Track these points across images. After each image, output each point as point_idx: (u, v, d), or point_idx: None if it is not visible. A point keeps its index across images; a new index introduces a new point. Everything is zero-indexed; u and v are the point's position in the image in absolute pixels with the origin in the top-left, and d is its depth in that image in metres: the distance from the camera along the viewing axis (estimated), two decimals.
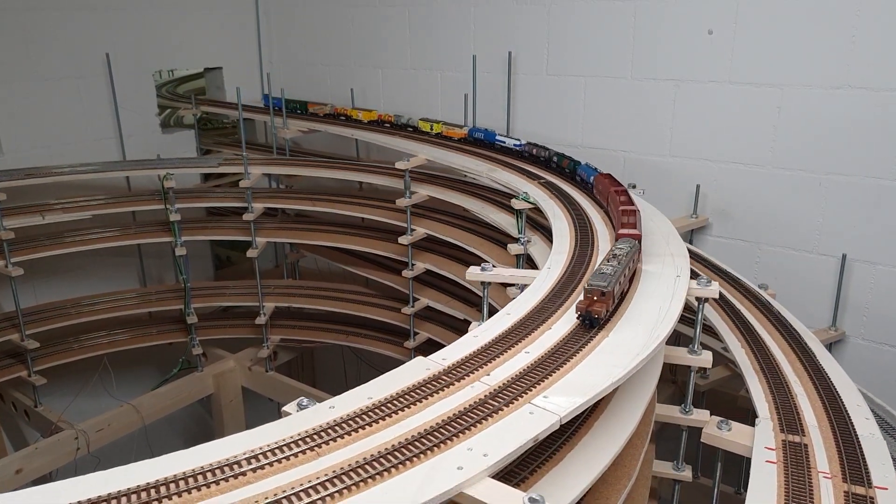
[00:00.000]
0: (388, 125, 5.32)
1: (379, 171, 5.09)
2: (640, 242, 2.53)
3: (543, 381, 1.87)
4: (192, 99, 6.38)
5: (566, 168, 3.95)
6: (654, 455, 2.79)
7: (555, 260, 2.73)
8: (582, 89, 4.95)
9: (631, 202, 2.99)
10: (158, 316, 5.82)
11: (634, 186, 3.81)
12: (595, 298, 2.10)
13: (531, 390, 1.83)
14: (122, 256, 6.07)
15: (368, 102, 6.11)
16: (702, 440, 2.50)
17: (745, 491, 2.05)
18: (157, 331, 5.64)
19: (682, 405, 2.65)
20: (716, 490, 2.71)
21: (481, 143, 4.69)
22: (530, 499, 1.43)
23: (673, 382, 4.56)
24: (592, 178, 3.58)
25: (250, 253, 5.22)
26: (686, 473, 2.78)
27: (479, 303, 3.97)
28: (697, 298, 2.51)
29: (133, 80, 5.91)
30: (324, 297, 5.65)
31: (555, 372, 1.92)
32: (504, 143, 4.47)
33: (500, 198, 4.32)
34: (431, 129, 5.02)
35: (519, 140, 4.49)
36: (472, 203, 4.37)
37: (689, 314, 3.87)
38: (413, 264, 4.81)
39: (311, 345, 5.88)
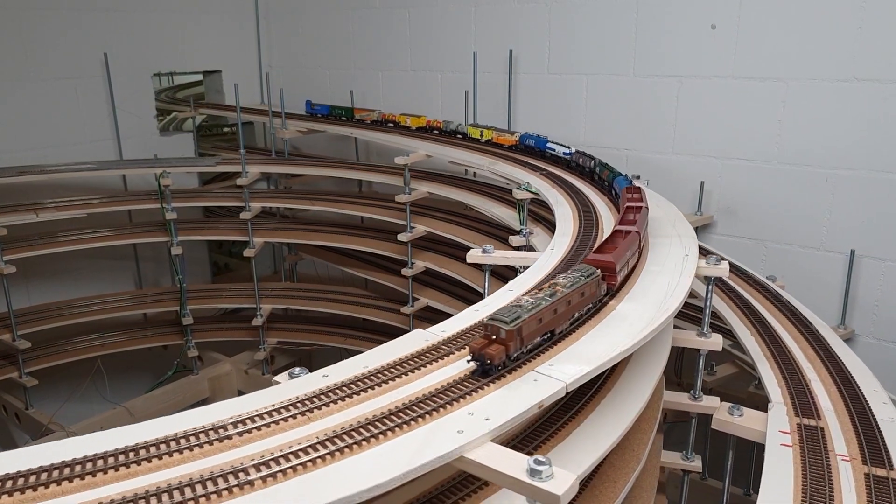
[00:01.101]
0: (436, 132, 4.91)
1: (378, 170, 5.03)
2: (610, 273, 2.08)
3: (548, 351, 1.78)
4: (190, 102, 6.33)
5: (605, 179, 3.49)
6: (661, 446, 2.68)
7: (558, 242, 2.66)
8: (584, 87, 4.89)
9: (632, 222, 2.47)
10: (154, 319, 5.73)
11: (639, 177, 3.73)
12: (493, 338, 1.64)
13: (535, 359, 1.74)
14: (118, 260, 5.99)
15: (367, 104, 6.06)
16: (712, 426, 2.40)
17: (755, 493, 1.94)
18: (152, 333, 5.54)
19: (692, 391, 2.55)
20: (727, 480, 2.60)
21: (531, 150, 4.23)
22: (535, 460, 1.33)
23: (678, 385, 4.47)
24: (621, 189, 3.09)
25: (247, 252, 5.13)
26: (696, 463, 2.67)
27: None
28: (707, 278, 2.42)
29: (131, 82, 5.87)
30: (321, 300, 5.56)
31: (559, 342, 1.83)
32: (554, 150, 4.00)
33: (502, 193, 4.26)
34: (481, 135, 4.60)
35: (568, 148, 4.01)
36: (473, 199, 4.30)
37: (695, 313, 3.81)
38: (412, 263, 4.72)
39: (309, 347, 5.77)
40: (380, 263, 5.36)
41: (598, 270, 2.02)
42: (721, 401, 2.53)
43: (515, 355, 1.67)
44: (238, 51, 6.60)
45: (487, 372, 1.63)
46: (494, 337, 1.63)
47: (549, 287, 1.86)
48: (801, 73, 4.03)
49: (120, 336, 5.45)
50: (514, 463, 1.37)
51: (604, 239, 2.40)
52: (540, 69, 5.06)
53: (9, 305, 4.71)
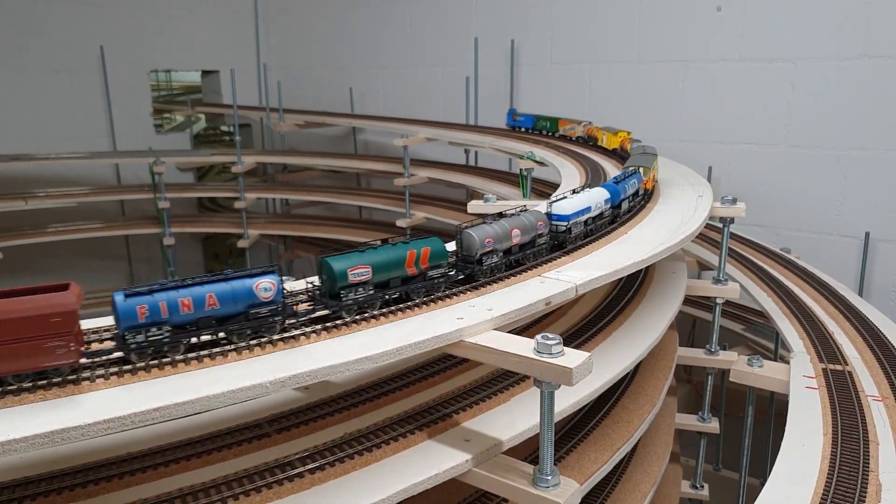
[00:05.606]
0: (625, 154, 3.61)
1: (376, 159, 4.93)
2: None
3: (555, 261, 1.65)
4: (187, 102, 6.26)
5: None
6: (675, 409, 2.52)
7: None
8: (587, 76, 4.80)
9: None
10: None
11: (640, 142, 3.56)
12: None
13: (541, 266, 1.60)
14: (110, 259, 5.84)
15: (367, 102, 5.99)
16: (731, 378, 2.23)
17: None
18: None
19: (707, 346, 2.39)
20: (747, 440, 2.42)
21: None
22: (543, 336, 1.18)
23: (688, 382, 4.30)
24: None
25: (241, 243, 4.99)
26: (712, 425, 2.49)
27: None
28: (722, 219, 2.29)
29: (128, 78, 5.79)
30: None
31: (564, 256, 1.69)
32: None
33: (504, 174, 4.16)
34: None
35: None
36: (474, 181, 4.19)
37: (706, 312, 3.64)
38: None
39: None
40: None
41: None
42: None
43: None
44: (236, 50, 6.54)
45: None
46: None
47: None
48: (810, 52, 3.94)
49: None
50: (520, 343, 1.23)
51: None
52: (542, 59, 4.98)
53: None
